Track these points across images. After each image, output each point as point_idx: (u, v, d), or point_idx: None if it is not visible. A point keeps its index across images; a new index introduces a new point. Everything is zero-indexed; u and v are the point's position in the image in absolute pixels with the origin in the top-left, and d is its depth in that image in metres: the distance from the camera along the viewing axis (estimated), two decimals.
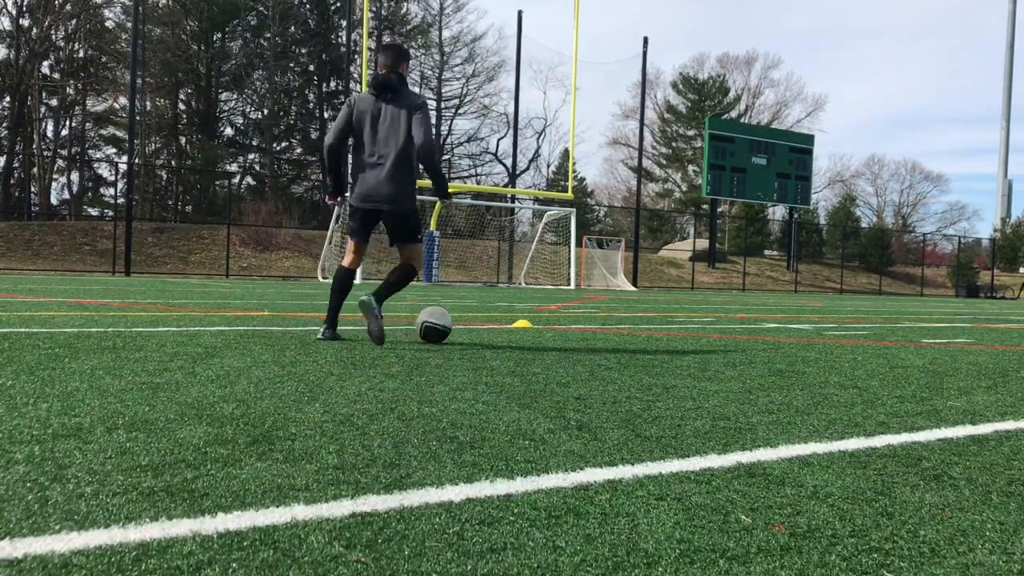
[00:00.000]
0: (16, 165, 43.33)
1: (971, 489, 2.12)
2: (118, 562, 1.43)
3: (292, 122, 49.04)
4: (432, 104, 53.10)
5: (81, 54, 44.08)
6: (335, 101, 49.62)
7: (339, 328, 5.58)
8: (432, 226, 28.38)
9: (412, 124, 5.19)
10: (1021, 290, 45.16)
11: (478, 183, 51.72)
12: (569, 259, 30.82)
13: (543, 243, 32.83)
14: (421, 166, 5.40)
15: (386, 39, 49.80)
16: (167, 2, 44.91)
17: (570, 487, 1.99)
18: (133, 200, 32.03)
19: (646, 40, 35.89)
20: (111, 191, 43.14)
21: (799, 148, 42.76)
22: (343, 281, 5.48)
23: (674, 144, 61.95)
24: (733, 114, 60.74)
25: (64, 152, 45.92)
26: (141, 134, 40.28)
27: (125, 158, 35.83)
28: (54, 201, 44.43)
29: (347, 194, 5.65)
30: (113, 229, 28.93)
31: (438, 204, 28.91)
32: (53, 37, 42.60)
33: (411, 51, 51.18)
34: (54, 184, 44.46)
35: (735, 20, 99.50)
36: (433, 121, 5.50)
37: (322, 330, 5.47)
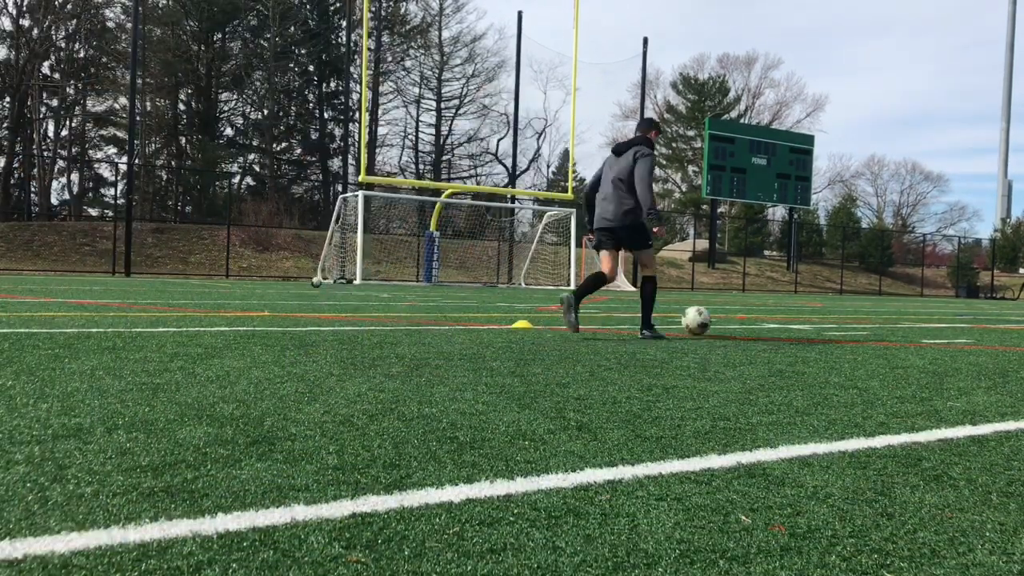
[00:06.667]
0: (16, 165, 43.32)
1: (971, 489, 2.12)
2: (118, 562, 1.43)
3: (292, 122, 49.03)
4: (432, 104, 53.15)
5: (81, 54, 44.06)
6: (335, 101, 49.63)
7: (345, 330, 5.56)
8: (432, 226, 28.38)
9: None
10: (1021, 290, 45.14)
11: (478, 183, 51.70)
12: (569, 259, 30.80)
13: (543, 243, 32.80)
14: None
15: (385, 39, 49.87)
16: (167, 2, 44.91)
17: (570, 487, 1.99)
18: (133, 200, 32.01)
19: (646, 40, 35.92)
20: (111, 191, 43.17)
21: (799, 148, 42.76)
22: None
23: (674, 144, 61.91)
24: (733, 114, 60.70)
25: (64, 152, 45.92)
26: (141, 134, 40.27)
27: (125, 158, 35.82)
28: (54, 201, 44.48)
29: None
30: (113, 229, 28.92)
31: (438, 204, 28.93)
32: (53, 37, 42.62)
33: (411, 51, 51.27)
34: (54, 184, 44.53)
35: (735, 20, 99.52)
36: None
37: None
